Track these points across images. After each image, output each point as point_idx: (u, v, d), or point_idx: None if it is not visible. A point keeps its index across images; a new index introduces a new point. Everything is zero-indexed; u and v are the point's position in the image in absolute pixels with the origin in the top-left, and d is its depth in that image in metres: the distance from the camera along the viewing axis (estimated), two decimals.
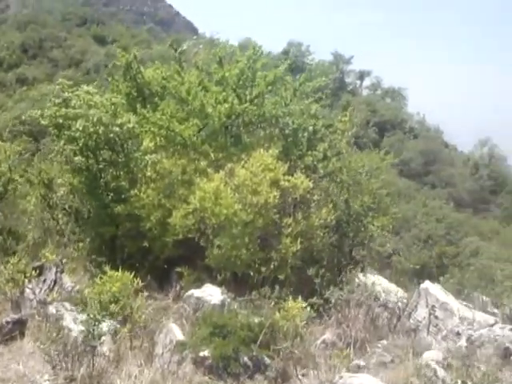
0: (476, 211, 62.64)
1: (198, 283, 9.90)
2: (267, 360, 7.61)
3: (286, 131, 12.27)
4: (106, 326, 7.36)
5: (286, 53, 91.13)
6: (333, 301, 8.31)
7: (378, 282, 11.76)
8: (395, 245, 48.60)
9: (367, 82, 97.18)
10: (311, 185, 10.99)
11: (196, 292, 9.11)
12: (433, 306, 8.06)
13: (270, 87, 13.08)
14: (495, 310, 15.94)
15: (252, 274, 10.20)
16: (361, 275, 11.81)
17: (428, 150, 72.52)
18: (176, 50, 13.78)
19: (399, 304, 9.20)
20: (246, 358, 7.50)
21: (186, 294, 9.23)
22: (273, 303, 8.61)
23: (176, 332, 7.92)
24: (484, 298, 19.57)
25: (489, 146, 76.60)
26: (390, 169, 58.79)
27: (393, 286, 11.82)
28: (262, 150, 11.52)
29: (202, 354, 7.48)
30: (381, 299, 9.81)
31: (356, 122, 14.07)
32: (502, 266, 24.32)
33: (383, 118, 77.98)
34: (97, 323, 7.07)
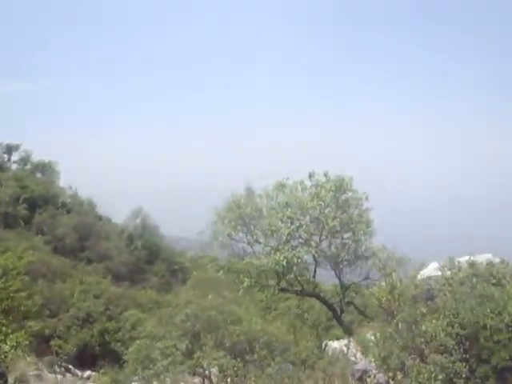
0: (134, 283, 63.18)
1: None
2: None
3: None
4: None
5: None
6: None
7: None
8: (54, 327, 46.19)
9: (16, 156, 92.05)
10: None
11: None
12: None
13: None
14: None
15: None
16: None
17: (82, 224, 71.23)
18: None
19: None
20: None
21: None
22: None
23: None
24: None
25: (142, 217, 78.75)
26: (44, 247, 56.14)
27: None
28: None
29: None
30: None
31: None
32: (160, 343, 24.29)
33: (34, 194, 74.44)
34: None
